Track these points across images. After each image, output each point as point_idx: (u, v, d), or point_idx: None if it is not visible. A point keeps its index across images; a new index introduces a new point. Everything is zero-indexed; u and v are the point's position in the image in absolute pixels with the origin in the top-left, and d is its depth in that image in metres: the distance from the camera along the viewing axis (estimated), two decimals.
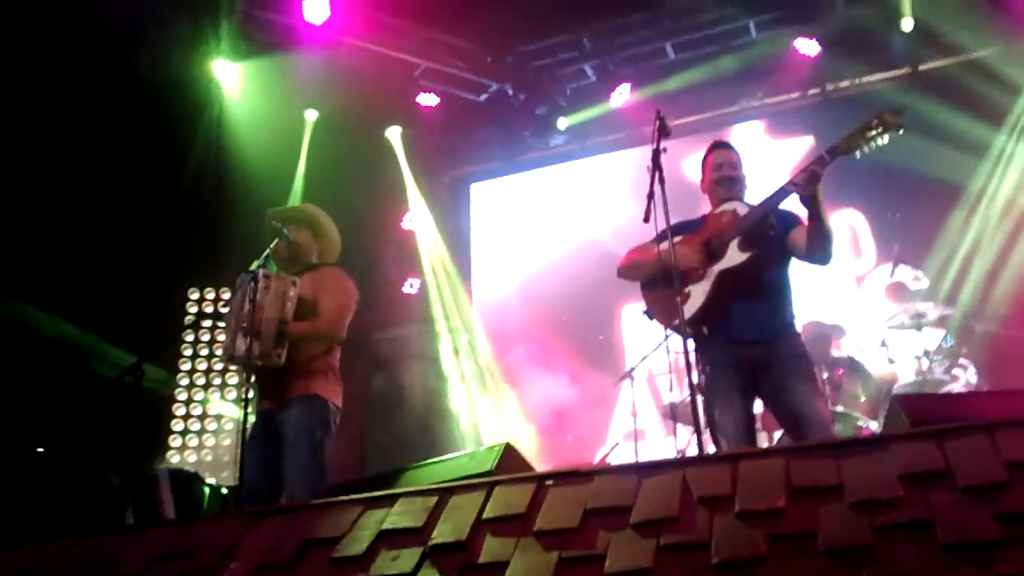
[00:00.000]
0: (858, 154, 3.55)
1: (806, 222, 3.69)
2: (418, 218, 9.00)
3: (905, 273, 6.58)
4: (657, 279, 3.75)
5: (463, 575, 2.11)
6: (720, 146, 4.15)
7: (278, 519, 2.51)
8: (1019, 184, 7.01)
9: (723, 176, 3.99)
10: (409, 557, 2.19)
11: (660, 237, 3.76)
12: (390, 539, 2.27)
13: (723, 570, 1.89)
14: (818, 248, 3.68)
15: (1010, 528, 1.79)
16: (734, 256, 3.73)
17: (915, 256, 6.72)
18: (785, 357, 3.66)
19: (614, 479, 2.31)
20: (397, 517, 2.35)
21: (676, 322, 3.54)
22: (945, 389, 5.80)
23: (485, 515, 2.25)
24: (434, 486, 2.44)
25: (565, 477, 2.37)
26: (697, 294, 3.75)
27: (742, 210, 3.81)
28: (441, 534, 2.22)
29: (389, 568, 2.18)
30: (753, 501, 2.03)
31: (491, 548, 2.15)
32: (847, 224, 7.60)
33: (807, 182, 3.52)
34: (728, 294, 3.73)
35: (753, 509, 2.01)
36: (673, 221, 3.72)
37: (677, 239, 3.69)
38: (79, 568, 2.53)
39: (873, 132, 3.48)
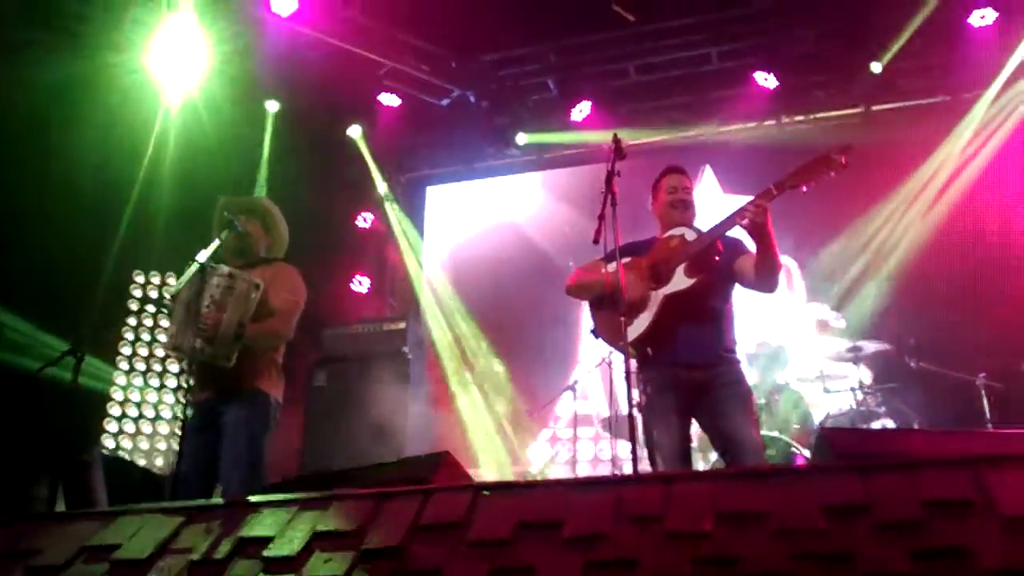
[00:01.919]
0: (804, 188, 3.66)
1: (753, 251, 3.79)
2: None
3: (826, 312, 6.81)
4: (604, 300, 3.82)
5: None
6: (675, 170, 4.24)
7: (213, 514, 2.51)
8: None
9: (677, 199, 4.08)
10: (342, 560, 2.20)
11: (608, 257, 3.83)
12: (324, 541, 2.28)
13: None
14: (766, 276, 3.78)
15: (924, 565, 1.87)
16: (680, 281, 3.81)
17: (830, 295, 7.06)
18: (724, 383, 3.76)
19: (550, 493, 2.36)
20: (332, 519, 2.36)
21: (620, 343, 3.61)
22: (878, 422, 5.96)
23: (420, 522, 2.28)
24: (370, 491, 2.46)
25: (502, 489, 2.40)
26: (643, 316, 3.83)
27: (690, 236, 3.90)
28: (375, 539, 2.24)
29: (321, 570, 2.19)
30: (681, 522, 2.08)
31: (424, 556, 2.18)
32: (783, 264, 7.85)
33: (755, 214, 3.61)
34: (673, 318, 3.81)
35: (680, 530, 2.06)
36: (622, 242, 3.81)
37: (625, 260, 3.75)
38: (5, 555, 2.49)
39: (820, 168, 3.59)
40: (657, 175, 4.23)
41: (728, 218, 3.76)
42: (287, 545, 2.28)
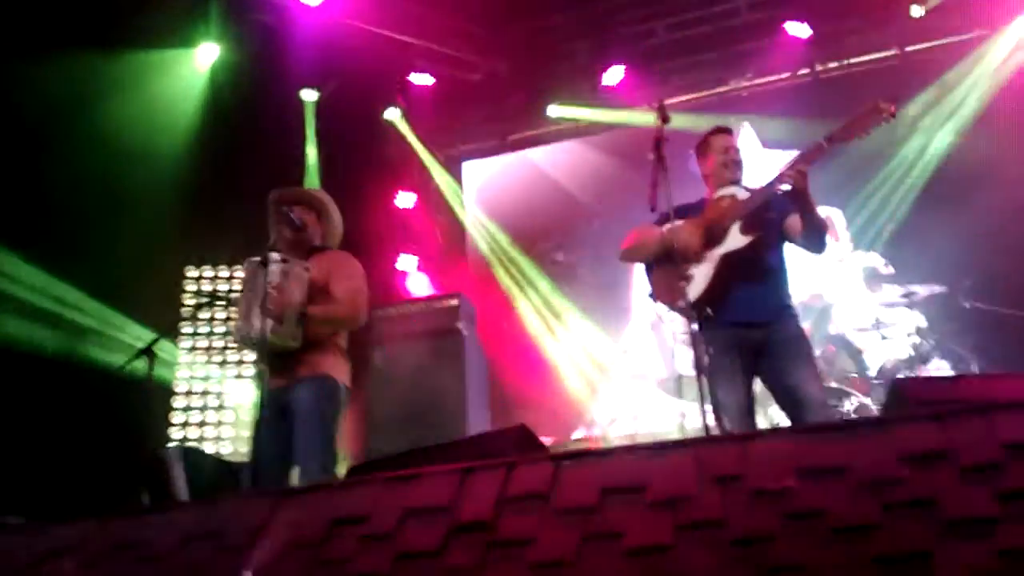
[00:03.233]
0: (854, 140, 3.66)
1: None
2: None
3: (875, 259, 6.75)
4: (660, 260, 3.86)
5: (489, 552, 2.21)
6: (722, 130, 4.26)
7: (304, 498, 2.60)
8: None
9: (730, 159, 4.10)
10: (436, 535, 2.28)
11: (661, 220, 3.86)
12: (416, 517, 2.36)
13: (739, 546, 2.00)
14: (812, 238, 3.83)
15: (1008, 505, 1.91)
16: (735, 240, 3.84)
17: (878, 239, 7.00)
18: (785, 339, 3.79)
19: (628, 459, 2.42)
20: (421, 496, 2.44)
21: (679, 303, 3.66)
22: (932, 365, 5.95)
23: (507, 494, 2.35)
24: (455, 466, 2.54)
25: (581, 457, 2.47)
26: (699, 276, 3.86)
27: (741, 195, 3.92)
28: (466, 513, 2.32)
29: (417, 545, 2.28)
30: (764, 480, 2.13)
31: (515, 526, 2.25)
32: (824, 215, 7.77)
33: (796, 179, 3.63)
34: (730, 277, 3.84)
35: (764, 488, 2.12)
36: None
37: (679, 223, 3.79)
38: (111, 549, 2.61)
39: (870, 119, 3.59)
40: (703, 136, 4.24)
41: (771, 182, 3.78)
42: (381, 522, 2.36)
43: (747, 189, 3.98)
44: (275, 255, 4.18)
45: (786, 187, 3.68)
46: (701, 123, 4.80)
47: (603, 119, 8.73)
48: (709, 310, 3.85)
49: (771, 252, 3.94)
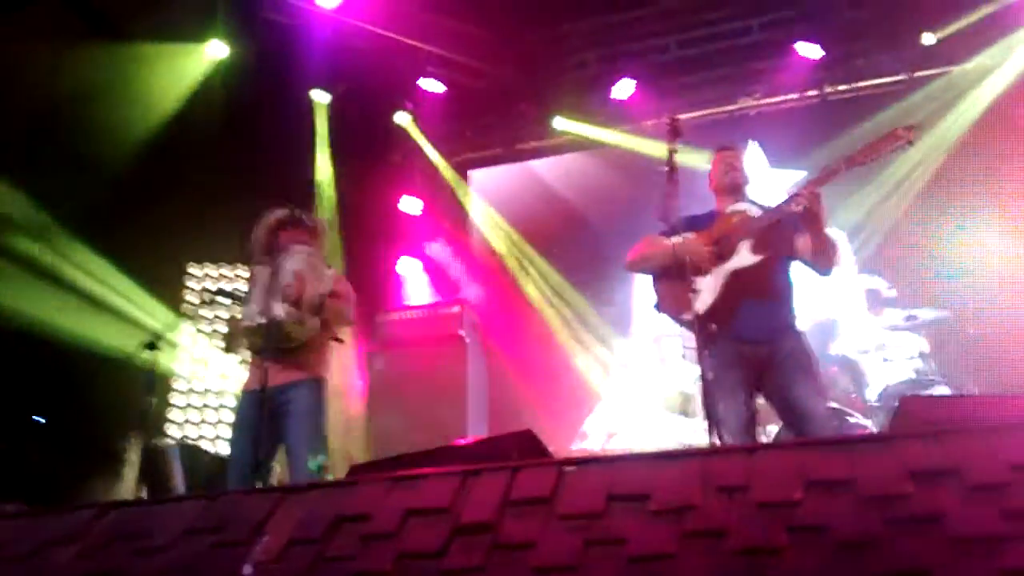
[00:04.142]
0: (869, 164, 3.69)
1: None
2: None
3: (878, 282, 6.76)
4: (668, 272, 3.86)
5: (491, 555, 2.20)
6: (724, 147, 4.28)
7: (307, 495, 2.60)
8: None
9: (727, 180, 4.12)
10: (438, 536, 2.28)
11: (669, 231, 3.87)
12: (419, 518, 2.36)
13: (742, 557, 1.99)
14: (822, 259, 3.85)
15: (1013, 524, 1.90)
16: (745, 257, 3.85)
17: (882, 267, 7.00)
18: (789, 354, 3.80)
19: (633, 466, 2.42)
20: (423, 497, 2.44)
21: (685, 315, 3.66)
22: (935, 390, 5.94)
23: (510, 498, 2.34)
24: (458, 468, 2.53)
25: (586, 464, 2.47)
26: (706, 291, 3.86)
27: (753, 212, 3.93)
28: (468, 515, 2.32)
29: (419, 545, 2.27)
30: (771, 492, 2.13)
31: (517, 530, 2.25)
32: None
33: (810, 201, 3.65)
34: (737, 294, 3.85)
35: (770, 500, 2.11)
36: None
37: (688, 236, 3.80)
38: (111, 538, 2.61)
39: (887, 145, 3.60)
40: (712, 151, 4.27)
41: (785, 201, 3.80)
42: (384, 522, 2.36)
43: (759, 206, 3.99)
44: (301, 246, 4.24)
45: (799, 208, 3.69)
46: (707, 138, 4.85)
47: (607, 139, 8.74)
48: (714, 325, 3.85)
49: (779, 271, 3.95)
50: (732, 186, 4.12)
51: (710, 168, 4.26)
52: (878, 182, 7.53)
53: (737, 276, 3.85)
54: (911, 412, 2.51)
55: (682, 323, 3.92)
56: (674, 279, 3.80)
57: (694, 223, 4.03)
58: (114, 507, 2.76)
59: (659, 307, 4.05)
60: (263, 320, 4.13)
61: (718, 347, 3.84)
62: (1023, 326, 6.32)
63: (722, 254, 3.91)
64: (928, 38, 7.55)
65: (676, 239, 3.72)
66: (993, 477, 2.02)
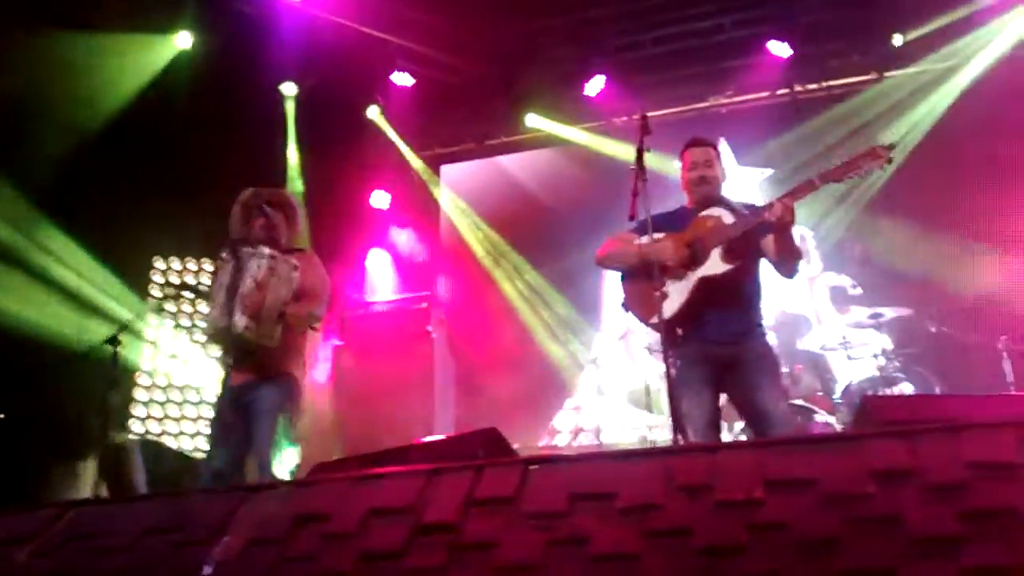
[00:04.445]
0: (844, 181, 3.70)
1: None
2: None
3: (843, 280, 6.82)
4: (636, 273, 3.85)
5: (452, 554, 2.19)
6: (696, 143, 4.25)
7: (267, 495, 2.57)
8: None
9: (698, 174, 4.09)
10: (400, 536, 2.26)
11: (640, 229, 3.86)
12: (380, 517, 2.34)
13: (705, 556, 1.99)
14: (787, 264, 3.88)
15: (972, 524, 1.92)
16: (716, 264, 3.84)
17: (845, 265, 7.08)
18: (753, 356, 3.83)
19: (598, 466, 2.41)
20: (386, 496, 2.42)
21: (652, 319, 3.66)
22: (898, 388, 6.01)
23: (474, 497, 2.33)
24: (422, 467, 2.52)
25: (550, 463, 2.46)
26: (675, 295, 3.85)
27: (727, 218, 3.90)
28: (430, 514, 2.30)
29: (380, 545, 2.25)
30: (733, 491, 2.13)
31: (480, 529, 2.23)
32: (798, 235, 7.83)
33: (783, 214, 3.65)
34: (706, 301, 3.84)
35: (732, 499, 2.12)
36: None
37: (660, 236, 3.79)
38: (69, 538, 2.56)
39: (865, 162, 3.61)
40: (682, 147, 4.25)
41: (758, 210, 3.80)
42: (346, 521, 2.34)
43: (732, 209, 3.96)
44: (265, 249, 4.15)
45: (772, 219, 3.69)
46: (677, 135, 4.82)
47: (577, 139, 8.74)
48: (680, 331, 3.86)
49: (749, 279, 3.96)
50: (703, 184, 4.08)
51: (681, 164, 4.23)
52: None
53: (707, 282, 3.84)
54: (873, 411, 2.52)
55: (648, 325, 3.92)
56: (642, 280, 3.80)
57: (665, 222, 4.02)
58: (73, 506, 2.72)
59: (626, 306, 4.04)
60: (224, 326, 4.08)
61: (683, 346, 3.86)
62: (983, 323, 6.39)
63: (693, 259, 3.89)
64: (897, 39, 7.61)
65: (645, 239, 3.71)
66: (952, 477, 2.04)
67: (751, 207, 3.99)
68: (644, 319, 3.92)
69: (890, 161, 3.61)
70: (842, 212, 7.64)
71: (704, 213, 4.00)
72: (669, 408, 3.46)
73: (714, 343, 3.83)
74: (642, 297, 3.86)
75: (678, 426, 3.71)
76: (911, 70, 7.98)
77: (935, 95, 7.75)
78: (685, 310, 3.85)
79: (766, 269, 4.03)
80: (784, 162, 7.90)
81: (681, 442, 3.52)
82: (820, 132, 7.87)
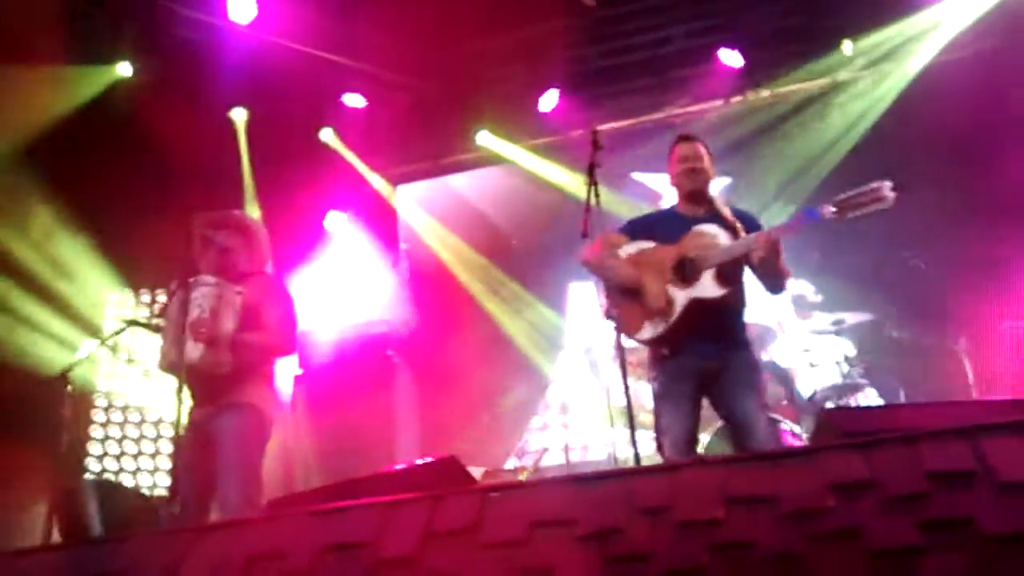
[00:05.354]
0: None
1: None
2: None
3: (804, 287, 6.85)
4: (625, 291, 3.83)
5: None
6: (684, 139, 4.23)
7: (221, 534, 2.50)
8: None
9: (687, 168, 4.07)
10: (358, 572, 2.21)
11: (629, 230, 3.87)
12: (337, 553, 2.28)
13: None
14: (776, 285, 3.94)
15: (931, 535, 1.91)
16: (707, 287, 3.80)
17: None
18: (737, 368, 3.84)
19: (557, 491, 2.38)
20: (342, 531, 2.36)
21: (639, 335, 3.68)
22: (863, 394, 6.03)
23: (432, 529, 2.28)
24: (378, 500, 2.46)
25: (509, 490, 2.42)
26: (663, 314, 3.82)
27: (723, 239, 3.85)
28: (388, 548, 2.25)
29: None
30: (693, 511, 2.11)
31: (439, 562, 2.19)
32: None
33: (772, 247, 3.71)
34: (694, 322, 3.81)
35: (693, 519, 2.09)
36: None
37: (651, 245, 3.78)
38: None
39: (868, 200, 3.57)
40: (670, 145, 4.23)
41: (752, 238, 3.81)
42: (301, 559, 2.28)
43: (725, 226, 3.91)
44: (208, 278, 4.08)
45: (763, 251, 3.71)
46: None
47: (527, 163, 8.71)
48: (665, 351, 3.84)
49: (738, 302, 3.95)
50: (693, 175, 4.06)
51: (669, 160, 4.18)
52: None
53: (699, 304, 3.79)
54: (831, 424, 2.51)
55: (635, 340, 3.87)
56: (627, 295, 3.79)
57: (655, 224, 4.01)
58: (12, 553, 2.63)
59: (609, 316, 3.91)
60: (175, 359, 3.98)
61: (669, 363, 3.85)
62: (939, 326, 6.43)
63: (685, 277, 3.83)
64: (847, 47, 7.71)
65: (630, 248, 3.71)
66: (910, 487, 2.03)
67: (740, 214, 4.02)
68: (630, 333, 3.85)
69: (896, 200, 3.53)
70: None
71: (697, 228, 3.92)
72: (633, 425, 3.43)
73: (701, 358, 3.83)
74: (629, 313, 3.83)
75: (657, 439, 3.73)
76: (863, 75, 8.07)
77: (884, 99, 7.85)
78: (672, 330, 3.81)
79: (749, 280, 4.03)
80: (742, 170, 7.94)
81: (656, 456, 3.52)
82: (775, 139, 7.93)
